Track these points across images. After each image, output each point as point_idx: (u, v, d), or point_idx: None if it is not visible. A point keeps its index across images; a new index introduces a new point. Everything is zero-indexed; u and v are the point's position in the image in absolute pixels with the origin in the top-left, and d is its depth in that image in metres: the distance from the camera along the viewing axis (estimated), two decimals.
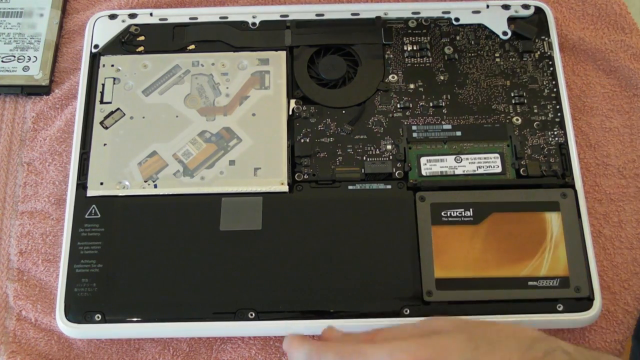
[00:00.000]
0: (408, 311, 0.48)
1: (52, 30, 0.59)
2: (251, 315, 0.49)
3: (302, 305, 0.49)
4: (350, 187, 0.52)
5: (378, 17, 0.58)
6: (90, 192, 0.52)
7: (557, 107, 0.55)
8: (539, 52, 0.57)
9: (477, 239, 0.50)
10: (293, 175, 0.53)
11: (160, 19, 0.58)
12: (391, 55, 0.57)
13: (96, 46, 0.57)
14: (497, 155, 0.53)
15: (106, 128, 0.54)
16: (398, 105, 0.55)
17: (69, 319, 0.49)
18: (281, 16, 0.58)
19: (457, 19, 0.58)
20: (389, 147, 0.54)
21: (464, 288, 0.49)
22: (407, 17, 0.58)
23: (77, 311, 0.49)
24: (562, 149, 0.53)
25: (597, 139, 0.56)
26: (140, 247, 0.50)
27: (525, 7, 0.58)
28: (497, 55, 0.57)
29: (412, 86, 0.56)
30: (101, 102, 0.55)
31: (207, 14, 0.59)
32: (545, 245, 0.50)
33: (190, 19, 0.58)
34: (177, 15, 0.59)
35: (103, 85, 0.56)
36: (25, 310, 0.51)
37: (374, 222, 0.51)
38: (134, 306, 0.49)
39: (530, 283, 0.49)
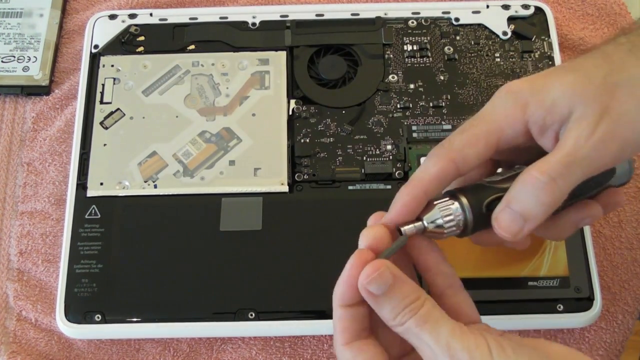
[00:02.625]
0: None
1: (52, 30, 0.59)
2: (251, 315, 0.49)
3: (302, 305, 0.49)
4: (350, 187, 0.52)
5: (378, 17, 0.58)
6: (90, 192, 0.52)
7: None
8: (539, 52, 0.57)
9: None
10: (293, 175, 0.53)
11: (160, 19, 0.58)
12: (391, 55, 0.57)
13: (96, 46, 0.57)
14: None
15: (106, 128, 0.54)
16: (398, 105, 0.55)
17: (69, 319, 0.49)
18: (281, 16, 0.58)
19: (457, 19, 0.58)
20: (389, 147, 0.54)
21: (464, 288, 0.49)
22: (407, 17, 0.58)
23: (77, 311, 0.49)
24: None
25: None
26: (141, 247, 0.50)
27: (525, 7, 0.58)
28: (497, 55, 0.57)
29: (412, 86, 0.56)
30: (101, 102, 0.55)
31: (207, 14, 0.59)
32: (545, 245, 0.50)
33: (190, 19, 0.58)
34: (177, 15, 0.59)
35: (103, 85, 0.56)
36: (26, 310, 0.51)
37: None
38: (134, 306, 0.49)
39: (530, 283, 0.49)
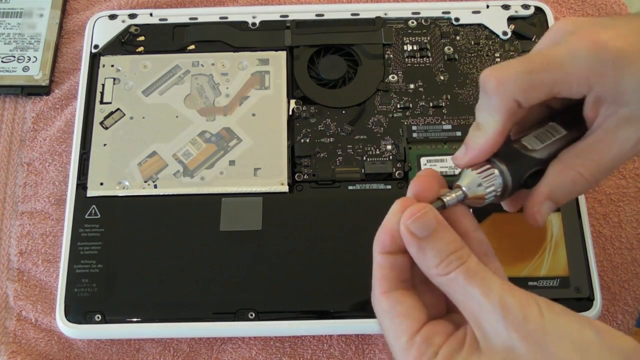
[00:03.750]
0: None
1: (52, 31, 0.59)
2: (251, 315, 0.49)
3: (302, 305, 0.49)
4: (350, 187, 0.52)
5: (378, 17, 0.58)
6: (90, 192, 0.52)
7: None
8: None
9: None
10: (293, 176, 0.53)
11: (160, 19, 0.58)
12: (391, 55, 0.57)
13: (96, 46, 0.57)
14: None
15: (106, 128, 0.54)
16: (398, 105, 0.55)
17: (69, 319, 0.49)
18: (281, 16, 0.58)
19: (457, 19, 0.58)
20: (389, 147, 0.54)
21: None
22: (407, 17, 0.58)
23: (77, 311, 0.49)
24: None
25: None
26: (140, 247, 0.50)
27: (525, 7, 0.58)
28: (497, 55, 0.57)
29: (412, 86, 0.56)
30: (101, 102, 0.55)
31: (207, 14, 0.59)
32: (545, 245, 0.50)
33: (190, 19, 0.58)
34: (177, 15, 0.59)
35: (103, 85, 0.56)
36: (26, 310, 0.51)
37: (374, 222, 0.50)
38: (134, 306, 0.49)
39: (530, 283, 0.49)
